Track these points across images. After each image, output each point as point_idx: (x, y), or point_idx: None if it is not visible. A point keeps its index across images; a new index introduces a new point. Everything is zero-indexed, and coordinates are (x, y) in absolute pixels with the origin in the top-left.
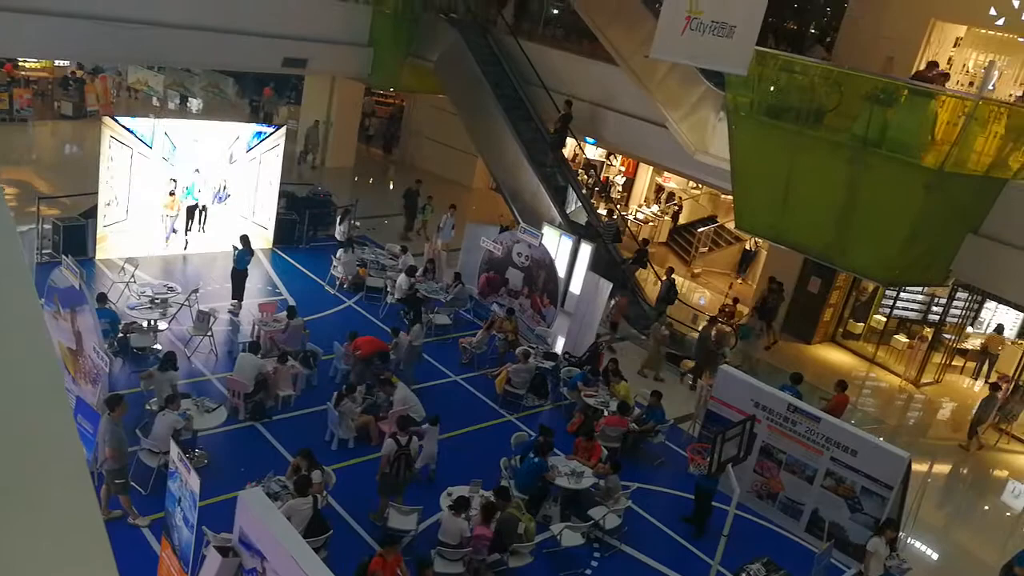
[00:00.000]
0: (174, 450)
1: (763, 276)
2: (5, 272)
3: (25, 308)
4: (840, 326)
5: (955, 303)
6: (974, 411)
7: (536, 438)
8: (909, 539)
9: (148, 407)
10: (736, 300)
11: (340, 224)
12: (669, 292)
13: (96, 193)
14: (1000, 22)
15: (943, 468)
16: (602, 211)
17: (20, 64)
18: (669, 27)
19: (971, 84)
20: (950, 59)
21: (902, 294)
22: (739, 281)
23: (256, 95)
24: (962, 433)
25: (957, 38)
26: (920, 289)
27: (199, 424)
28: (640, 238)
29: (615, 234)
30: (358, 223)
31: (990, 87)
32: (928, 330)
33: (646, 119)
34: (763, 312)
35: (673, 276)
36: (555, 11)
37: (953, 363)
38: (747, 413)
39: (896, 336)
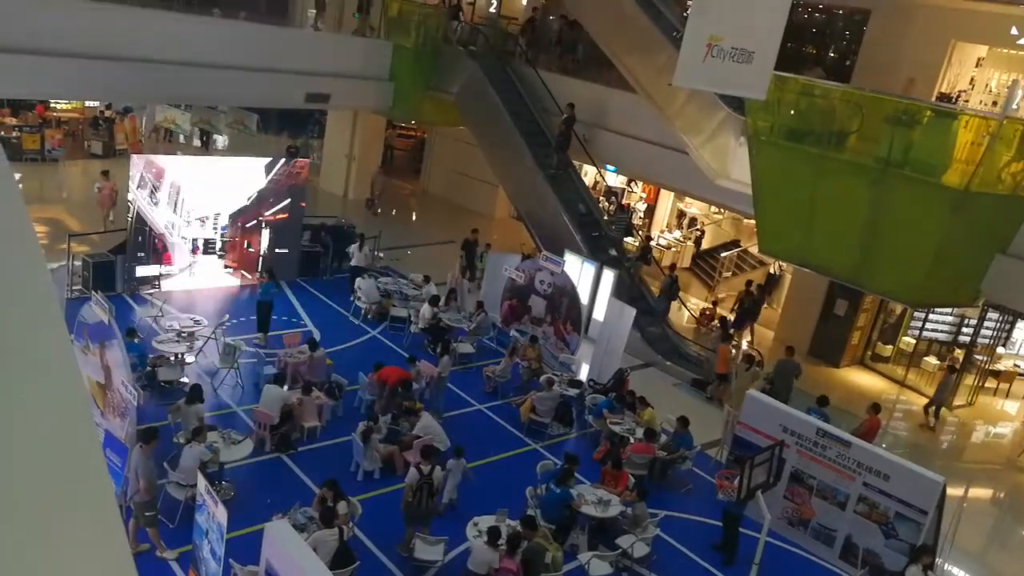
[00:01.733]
0: (201, 483)
1: (788, 300)
2: (37, 309)
3: (55, 344)
4: (868, 349)
5: (986, 324)
6: (934, 393)
7: (562, 467)
8: (946, 565)
9: (175, 440)
10: (716, 303)
11: (359, 251)
12: (671, 288)
13: (125, 230)
14: (1022, 41)
15: (979, 492)
16: (629, 238)
17: (51, 105)
18: (691, 54)
19: (994, 104)
20: (972, 79)
21: (931, 315)
22: (764, 306)
23: (279, 131)
24: (999, 456)
25: (979, 58)
26: (950, 311)
27: (226, 456)
28: (662, 264)
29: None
30: (382, 254)
31: (1014, 106)
32: (959, 352)
33: (666, 145)
34: (742, 315)
35: (676, 274)
36: (574, 41)
37: (986, 385)
38: (775, 438)
39: (926, 358)
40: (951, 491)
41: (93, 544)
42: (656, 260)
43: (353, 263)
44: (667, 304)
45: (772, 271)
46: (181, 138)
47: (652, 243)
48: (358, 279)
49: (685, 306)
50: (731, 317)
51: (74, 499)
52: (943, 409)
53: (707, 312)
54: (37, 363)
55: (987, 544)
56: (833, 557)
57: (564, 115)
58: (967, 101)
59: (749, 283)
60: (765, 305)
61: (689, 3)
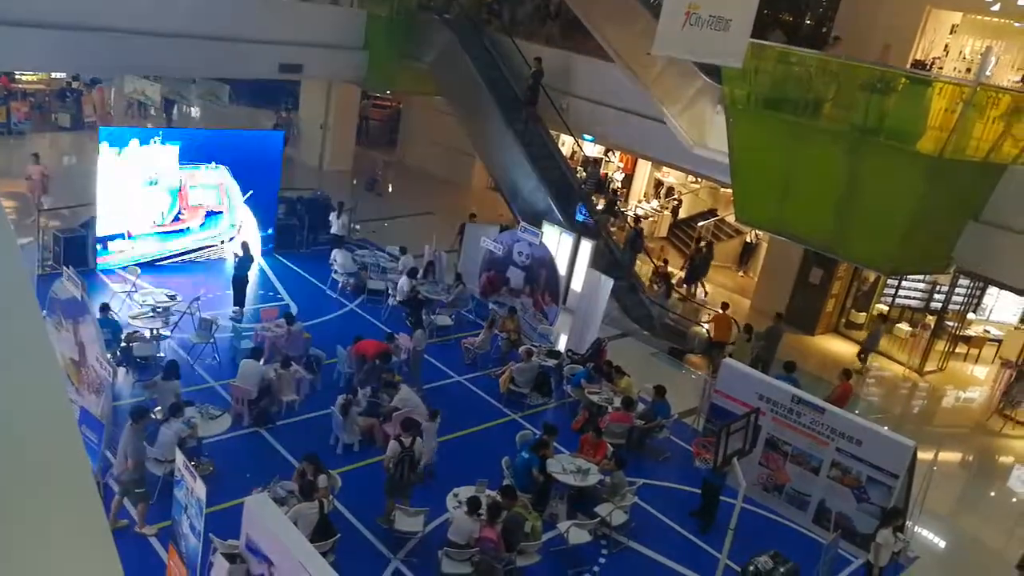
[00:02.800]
0: (179, 458)
1: (764, 268)
2: (7, 285)
3: (28, 320)
4: (843, 316)
5: (957, 290)
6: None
7: (540, 437)
8: (916, 528)
9: (152, 416)
10: (666, 261)
11: (338, 218)
12: (635, 240)
13: (95, 204)
14: (996, 7)
15: (949, 456)
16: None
17: (17, 77)
18: (670, 22)
19: (968, 71)
20: (947, 46)
21: (904, 283)
22: (740, 274)
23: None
24: (969, 420)
25: (953, 25)
26: (922, 277)
27: (204, 431)
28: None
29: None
30: (358, 226)
31: (987, 73)
32: (931, 318)
33: (644, 115)
34: (691, 272)
35: (641, 227)
36: (550, 9)
37: (957, 350)
38: (751, 406)
39: (899, 325)
40: (922, 455)
41: (71, 519)
42: (621, 212)
43: (333, 231)
44: (632, 256)
45: (748, 240)
46: (151, 110)
47: (628, 213)
48: (335, 251)
49: (651, 258)
50: (680, 274)
51: (52, 476)
52: (871, 355)
53: (659, 269)
54: (10, 340)
55: (956, 507)
56: (807, 521)
57: (532, 69)
58: (941, 68)
59: (699, 240)
60: (741, 274)
61: None
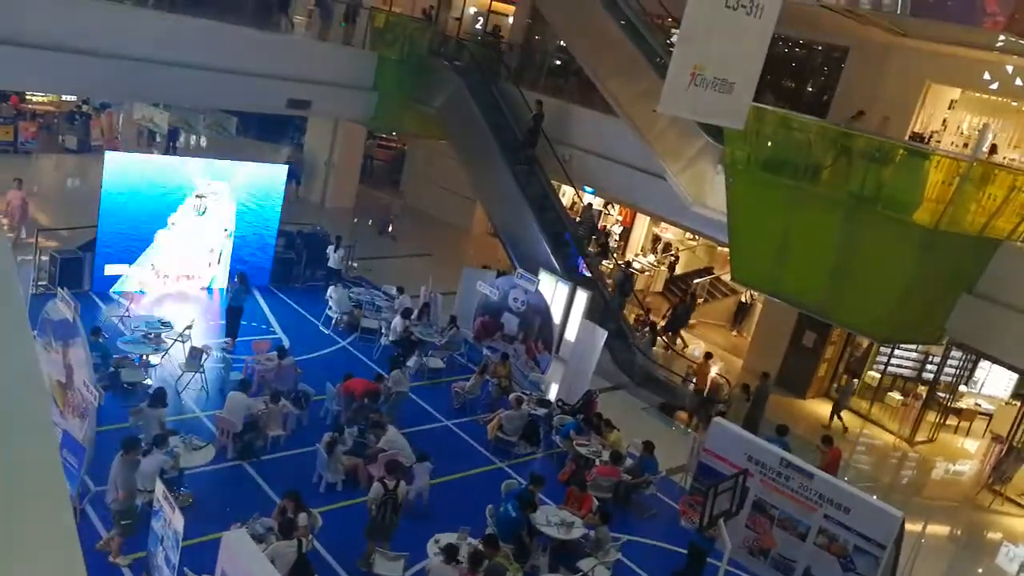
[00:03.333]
0: (159, 489)
1: (758, 329)
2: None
3: (17, 339)
4: (835, 381)
5: (949, 362)
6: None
7: (526, 487)
8: None
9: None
10: (648, 310)
11: (335, 252)
12: (625, 282)
13: (95, 227)
14: (994, 86)
15: (937, 528)
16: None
17: (27, 97)
18: (676, 82)
19: (965, 145)
20: (945, 120)
21: (896, 351)
22: (734, 334)
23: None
24: (958, 493)
25: (952, 100)
26: (915, 347)
27: (186, 462)
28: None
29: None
30: (355, 263)
31: (984, 149)
32: (922, 388)
33: (645, 170)
34: (673, 321)
35: (631, 270)
36: (557, 62)
37: (947, 422)
38: (740, 466)
39: (890, 393)
40: (910, 526)
41: (44, 543)
42: (612, 252)
43: (329, 264)
44: (622, 299)
45: (743, 299)
46: (157, 137)
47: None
48: (331, 288)
49: (640, 303)
50: (661, 323)
51: (28, 498)
52: (843, 412)
53: (640, 318)
54: None
55: None
56: None
57: (533, 112)
58: (939, 142)
59: (684, 290)
60: (734, 333)
61: (674, 32)
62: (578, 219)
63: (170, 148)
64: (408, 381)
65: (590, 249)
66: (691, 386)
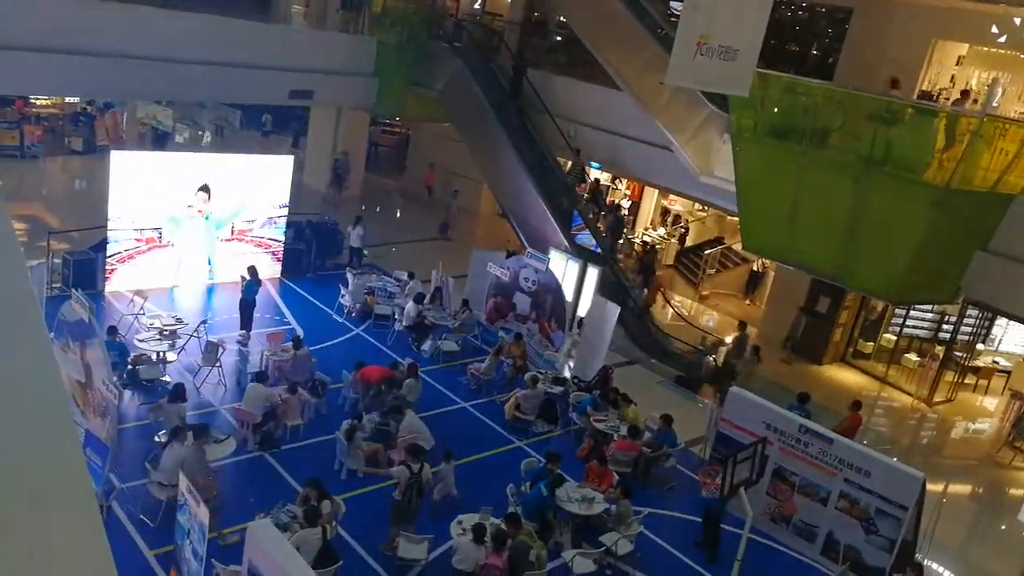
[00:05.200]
0: (183, 482)
1: (771, 296)
2: (16, 306)
3: (35, 342)
4: (850, 346)
5: (965, 321)
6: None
7: (545, 465)
8: (926, 561)
9: (157, 439)
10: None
11: (354, 229)
12: (616, 226)
13: (105, 227)
14: (1002, 39)
15: (958, 488)
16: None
17: (31, 101)
18: (682, 53)
19: (975, 101)
20: (953, 77)
21: (912, 312)
22: (747, 303)
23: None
24: (978, 452)
25: (959, 56)
26: (930, 307)
27: (208, 455)
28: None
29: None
30: (367, 252)
31: (994, 104)
32: (939, 348)
33: (651, 143)
34: (642, 270)
35: (621, 214)
36: (558, 39)
37: (965, 381)
38: (758, 435)
39: (907, 355)
40: (931, 487)
41: (72, 542)
42: (603, 198)
43: (351, 243)
44: (613, 243)
45: (755, 268)
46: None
47: (635, 240)
48: (350, 276)
49: (631, 242)
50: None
51: (55, 498)
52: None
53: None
54: (17, 362)
55: (966, 539)
56: (815, 553)
57: (513, 63)
58: (948, 99)
59: (645, 244)
60: (747, 302)
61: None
62: (585, 196)
63: (174, 144)
64: (420, 389)
65: (599, 226)
66: (712, 358)
